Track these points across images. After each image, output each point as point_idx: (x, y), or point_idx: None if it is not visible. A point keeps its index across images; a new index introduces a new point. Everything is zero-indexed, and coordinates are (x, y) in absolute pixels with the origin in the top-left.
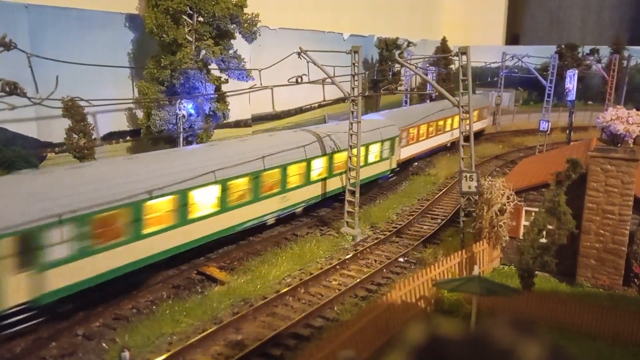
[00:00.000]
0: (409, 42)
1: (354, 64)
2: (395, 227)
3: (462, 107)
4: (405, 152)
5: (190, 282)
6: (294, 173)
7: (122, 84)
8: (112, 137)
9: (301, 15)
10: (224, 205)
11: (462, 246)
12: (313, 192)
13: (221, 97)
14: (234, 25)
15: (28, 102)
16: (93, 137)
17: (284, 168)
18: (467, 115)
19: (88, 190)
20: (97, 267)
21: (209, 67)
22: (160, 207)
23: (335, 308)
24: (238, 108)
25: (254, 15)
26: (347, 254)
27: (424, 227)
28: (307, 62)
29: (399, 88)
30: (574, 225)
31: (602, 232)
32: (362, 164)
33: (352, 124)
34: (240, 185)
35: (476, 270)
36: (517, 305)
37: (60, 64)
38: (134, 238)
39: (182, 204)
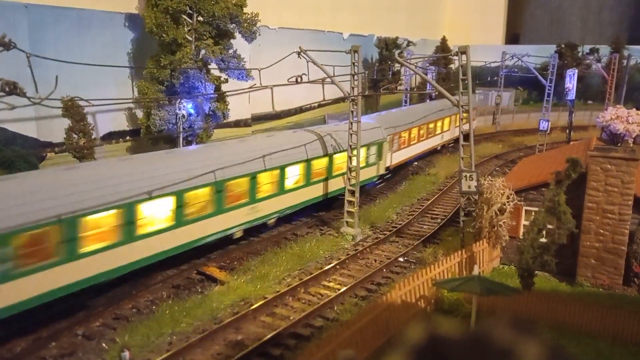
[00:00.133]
0: (409, 42)
1: (353, 63)
2: (395, 227)
3: (462, 106)
4: (397, 157)
5: (190, 282)
6: (266, 181)
7: (121, 83)
8: (111, 137)
9: (301, 14)
10: (180, 219)
11: (462, 246)
12: (288, 201)
13: (221, 97)
14: (234, 24)
15: (28, 102)
16: (93, 137)
17: (252, 177)
18: (467, 115)
19: (10, 205)
20: (21, 292)
21: (209, 66)
22: (101, 223)
23: (335, 308)
24: (238, 108)
25: (253, 14)
26: (347, 254)
27: (424, 226)
28: (307, 62)
29: (398, 87)
30: (574, 224)
31: (602, 231)
32: (343, 170)
33: (351, 123)
34: (201, 196)
35: (476, 270)
36: (517, 304)
37: (59, 64)
38: (68, 258)
39: (129, 219)
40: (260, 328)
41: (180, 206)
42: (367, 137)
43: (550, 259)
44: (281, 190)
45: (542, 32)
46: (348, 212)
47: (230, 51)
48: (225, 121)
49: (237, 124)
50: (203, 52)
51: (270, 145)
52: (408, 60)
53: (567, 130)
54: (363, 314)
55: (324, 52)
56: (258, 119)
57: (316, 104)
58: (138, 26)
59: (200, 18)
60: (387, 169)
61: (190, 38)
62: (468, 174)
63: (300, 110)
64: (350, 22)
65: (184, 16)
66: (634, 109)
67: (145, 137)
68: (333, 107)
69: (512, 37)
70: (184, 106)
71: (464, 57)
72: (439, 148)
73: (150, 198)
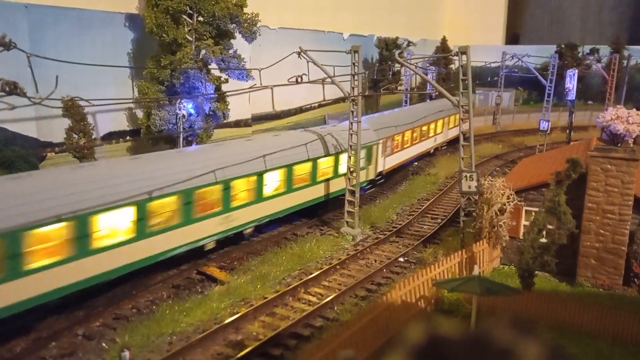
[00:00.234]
0: (409, 42)
1: (353, 63)
2: (395, 227)
3: (462, 106)
4: (390, 162)
5: (190, 282)
6: (242, 189)
7: (122, 83)
8: (112, 137)
9: (301, 15)
10: (142, 231)
11: (462, 246)
12: (267, 209)
13: (221, 97)
14: (234, 25)
15: (28, 102)
16: (93, 137)
17: (226, 184)
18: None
19: None
20: None
21: (209, 66)
22: (51, 237)
23: (335, 308)
24: (238, 108)
25: (253, 15)
26: (347, 254)
27: (424, 227)
28: (307, 62)
29: (399, 88)
30: (574, 225)
31: (602, 231)
32: (329, 176)
33: (351, 123)
34: (166, 206)
35: (476, 270)
36: (517, 305)
37: (60, 64)
38: (11, 275)
39: (81, 233)
40: (261, 328)
41: (142, 217)
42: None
43: (550, 259)
44: (259, 197)
45: (542, 33)
46: (348, 212)
47: (231, 51)
48: (225, 121)
49: (238, 124)
50: (203, 52)
51: (247, 150)
52: (408, 61)
53: (567, 131)
54: (363, 314)
55: (324, 52)
56: (258, 119)
57: (316, 104)
58: (138, 26)
59: (200, 18)
60: (380, 173)
61: (190, 38)
62: (468, 174)
63: (300, 110)
64: (350, 22)
65: (184, 16)
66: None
67: (145, 137)
68: (333, 107)
69: (512, 37)
70: (184, 106)
71: (464, 57)
72: (432, 151)
73: (106, 209)
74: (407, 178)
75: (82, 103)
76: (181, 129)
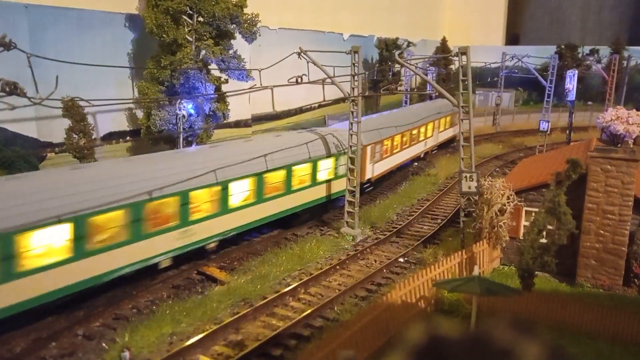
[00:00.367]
0: (409, 42)
1: (353, 64)
2: (395, 227)
3: (462, 107)
4: (380, 168)
5: (190, 282)
6: (203, 200)
7: (122, 84)
8: (112, 137)
9: (301, 15)
10: (82, 249)
11: (462, 246)
12: (234, 221)
13: (221, 97)
14: (234, 25)
15: (28, 102)
16: (93, 137)
17: (183, 195)
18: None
19: None
20: None
21: (209, 67)
22: None
23: (335, 308)
24: (238, 108)
25: (254, 15)
26: (347, 254)
27: (424, 227)
28: (307, 62)
29: (399, 88)
30: (574, 225)
31: (602, 232)
32: (306, 184)
33: (352, 124)
34: (112, 221)
35: (476, 271)
36: (517, 305)
37: (60, 64)
38: None
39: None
40: (261, 328)
41: (81, 234)
42: (337, 145)
43: (550, 260)
44: (224, 209)
45: (542, 33)
46: (348, 212)
47: (231, 52)
48: (225, 121)
49: (238, 124)
50: (203, 52)
51: (214, 157)
52: (408, 61)
53: (567, 131)
54: (363, 314)
55: (324, 53)
56: (258, 119)
57: (316, 105)
58: (138, 26)
59: (200, 18)
60: (369, 180)
61: (190, 38)
62: (468, 175)
63: (300, 110)
64: (350, 23)
65: (184, 17)
66: (634, 110)
67: (145, 138)
68: (333, 108)
69: (512, 37)
70: (184, 106)
71: (464, 57)
72: (422, 155)
73: (37, 227)
74: (407, 178)
75: (82, 103)
76: (181, 129)
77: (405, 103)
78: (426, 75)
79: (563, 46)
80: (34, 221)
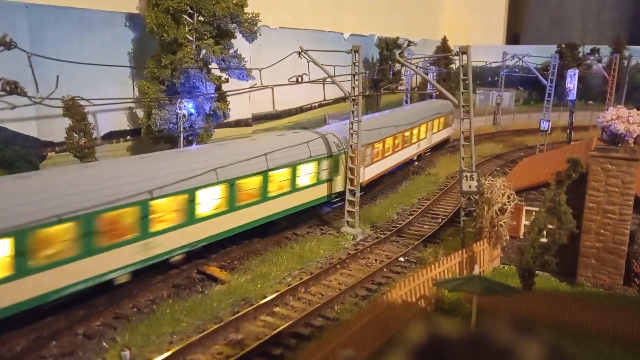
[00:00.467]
0: (410, 42)
1: (354, 63)
2: (396, 227)
3: (462, 106)
4: (370, 172)
5: (190, 281)
6: (167, 209)
7: (122, 83)
8: (112, 136)
9: (301, 14)
10: (23, 267)
11: (462, 246)
12: (202, 231)
13: (222, 97)
14: (235, 24)
15: (28, 102)
16: (93, 136)
17: (143, 204)
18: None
19: None
20: None
21: (210, 66)
22: None
23: (336, 307)
24: (239, 107)
25: (254, 14)
26: (348, 253)
27: (425, 226)
28: (308, 62)
29: (399, 87)
30: (575, 224)
31: (602, 231)
32: (284, 190)
33: (352, 123)
34: (59, 235)
35: (476, 270)
36: (517, 304)
37: (60, 64)
38: None
39: None
40: (261, 327)
41: (22, 250)
42: (316, 149)
43: (550, 259)
44: (190, 219)
45: (543, 32)
46: (349, 211)
47: (231, 51)
48: (225, 121)
49: (238, 123)
50: (204, 51)
51: (181, 163)
52: (409, 60)
53: (568, 131)
54: (363, 313)
55: (325, 52)
56: (259, 118)
57: (317, 104)
58: (139, 26)
59: (201, 18)
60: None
61: (191, 38)
62: (469, 174)
63: (300, 110)
64: (350, 22)
65: (185, 16)
66: (635, 109)
67: (145, 137)
68: (334, 107)
69: (513, 37)
70: (184, 106)
71: (464, 57)
72: (415, 158)
73: None
74: (407, 178)
75: (82, 102)
76: (181, 129)
77: (406, 102)
78: (427, 74)
79: (563, 45)
80: None
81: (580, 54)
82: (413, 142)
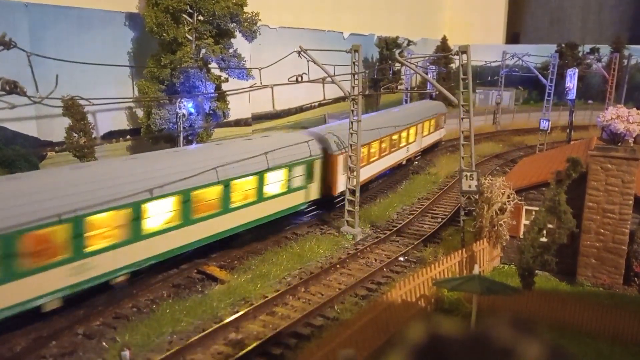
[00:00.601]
0: (409, 41)
1: (354, 62)
2: (396, 226)
3: (462, 105)
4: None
5: (190, 281)
6: (107, 225)
7: (122, 82)
8: (112, 136)
9: (301, 14)
10: None
11: (462, 245)
12: (150, 249)
13: (221, 96)
14: (234, 24)
15: (28, 101)
16: (93, 136)
17: (75, 222)
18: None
19: None
20: None
21: (209, 66)
22: None
23: (336, 307)
24: (238, 107)
25: (254, 14)
26: (348, 253)
27: (424, 226)
28: (307, 61)
29: (399, 87)
30: (574, 224)
31: (602, 231)
32: (249, 200)
33: (352, 122)
34: None
35: (476, 269)
36: (517, 304)
37: (60, 63)
38: None
39: None
40: (261, 327)
41: None
42: (287, 154)
43: (550, 259)
44: (136, 235)
45: (543, 32)
46: (348, 211)
47: (231, 50)
48: (225, 120)
49: (238, 123)
50: (203, 51)
51: (121, 172)
52: (408, 60)
53: (568, 130)
54: (363, 313)
55: (325, 52)
56: (258, 118)
57: (316, 104)
58: (138, 25)
59: (200, 17)
60: (341, 194)
61: (190, 37)
62: (468, 174)
63: (300, 109)
64: (350, 22)
65: (185, 15)
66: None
67: (145, 137)
68: (333, 107)
69: (513, 36)
70: (184, 105)
71: (464, 56)
72: (404, 162)
73: None
74: (407, 177)
75: (82, 102)
76: (181, 128)
77: (405, 102)
78: (426, 74)
79: (563, 45)
80: None
81: (580, 54)
82: (402, 146)
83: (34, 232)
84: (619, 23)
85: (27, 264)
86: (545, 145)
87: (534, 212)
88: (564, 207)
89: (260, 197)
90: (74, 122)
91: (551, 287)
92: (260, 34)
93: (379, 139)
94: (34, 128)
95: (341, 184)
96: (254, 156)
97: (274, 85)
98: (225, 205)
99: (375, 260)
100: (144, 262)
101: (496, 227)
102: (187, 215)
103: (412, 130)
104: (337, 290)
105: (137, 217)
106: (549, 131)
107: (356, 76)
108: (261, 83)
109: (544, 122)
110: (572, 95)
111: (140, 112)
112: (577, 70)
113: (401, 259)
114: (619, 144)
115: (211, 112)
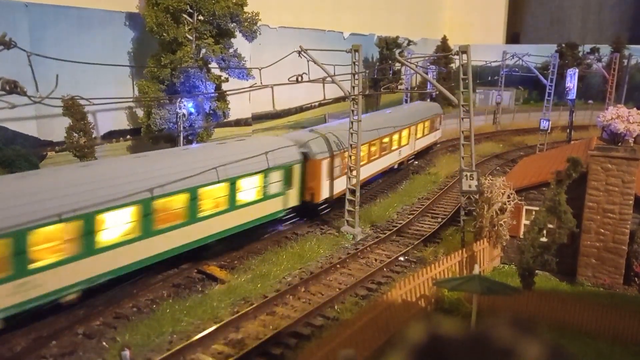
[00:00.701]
0: (410, 41)
1: (354, 62)
2: (396, 226)
3: (462, 105)
4: (341, 185)
5: (190, 281)
6: (56, 239)
7: (122, 82)
8: (112, 135)
9: (301, 14)
10: None
11: (462, 245)
12: (105, 264)
13: (221, 96)
14: (234, 23)
15: (28, 101)
16: (93, 135)
17: (18, 237)
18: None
19: None
20: None
21: (209, 65)
22: None
23: (336, 307)
24: (238, 107)
25: (254, 14)
26: (348, 253)
27: (425, 226)
28: (308, 61)
29: (399, 87)
30: (575, 224)
31: (602, 231)
32: (220, 209)
33: (352, 122)
34: None
35: (476, 269)
36: (517, 304)
37: (60, 63)
38: None
39: None
40: (261, 327)
41: None
42: (264, 160)
43: (550, 259)
44: (88, 250)
45: (543, 32)
46: (349, 211)
47: (231, 50)
48: (225, 120)
49: (238, 123)
50: (203, 51)
51: (74, 179)
52: (408, 60)
53: (568, 130)
54: (363, 313)
55: (325, 52)
56: (259, 118)
57: (317, 103)
58: (138, 25)
59: (200, 17)
60: (325, 201)
61: (190, 37)
62: (468, 173)
63: (300, 109)
64: (350, 22)
65: (185, 15)
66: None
67: (145, 136)
68: (333, 107)
69: (513, 36)
70: (184, 105)
71: (464, 56)
72: (396, 166)
73: None
74: (407, 177)
75: (82, 102)
76: (181, 128)
77: (406, 102)
78: (427, 74)
79: (563, 45)
80: None
81: (580, 54)
82: (393, 149)
83: None
84: (619, 23)
85: None
86: (546, 145)
87: (534, 212)
88: (564, 207)
89: (233, 206)
90: (74, 122)
91: (551, 287)
92: (260, 34)
93: (367, 142)
94: (34, 128)
95: (325, 190)
96: (227, 163)
97: (274, 85)
98: (192, 215)
99: (376, 260)
100: (97, 278)
101: (496, 227)
102: (148, 226)
103: (405, 133)
104: (337, 290)
105: (89, 230)
106: (549, 131)
107: (356, 76)
108: (261, 83)
109: (544, 122)
110: (572, 95)
111: (140, 112)
112: (577, 70)
113: (401, 258)
114: (619, 144)
115: (211, 112)
